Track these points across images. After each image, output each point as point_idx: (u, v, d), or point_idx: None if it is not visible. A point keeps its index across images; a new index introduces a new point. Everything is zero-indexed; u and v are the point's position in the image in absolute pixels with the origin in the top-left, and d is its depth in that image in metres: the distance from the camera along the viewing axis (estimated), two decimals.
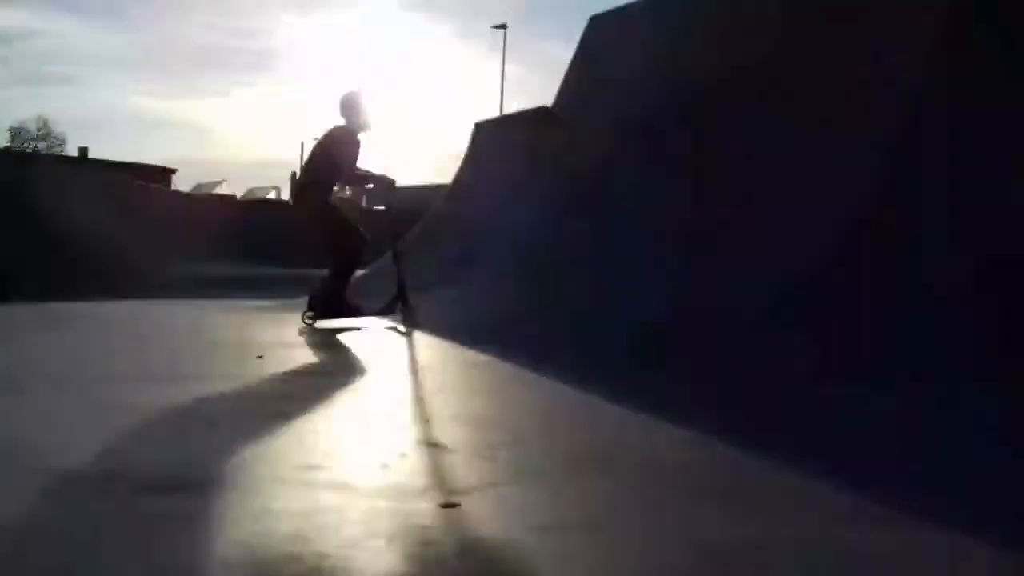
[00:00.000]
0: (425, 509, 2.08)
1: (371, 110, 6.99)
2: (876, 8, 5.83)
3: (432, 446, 2.76)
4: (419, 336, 6.58)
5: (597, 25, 9.29)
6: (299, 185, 7.72)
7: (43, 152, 39.78)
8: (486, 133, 10.98)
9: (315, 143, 7.32)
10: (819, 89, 5.83)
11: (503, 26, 36.75)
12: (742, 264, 5.30)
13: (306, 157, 7.31)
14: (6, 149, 37.81)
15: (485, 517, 2.05)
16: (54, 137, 51.00)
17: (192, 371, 4.60)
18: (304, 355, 5.49)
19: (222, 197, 31.84)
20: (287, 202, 37.93)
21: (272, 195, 41.24)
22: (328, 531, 1.92)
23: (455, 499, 2.15)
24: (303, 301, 10.26)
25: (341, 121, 6.91)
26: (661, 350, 4.64)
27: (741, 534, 1.98)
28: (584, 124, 8.30)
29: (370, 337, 6.71)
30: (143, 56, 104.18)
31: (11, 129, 50.52)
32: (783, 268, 4.96)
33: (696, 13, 7.63)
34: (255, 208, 28.82)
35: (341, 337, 6.48)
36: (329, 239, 7.02)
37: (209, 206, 27.37)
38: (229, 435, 2.95)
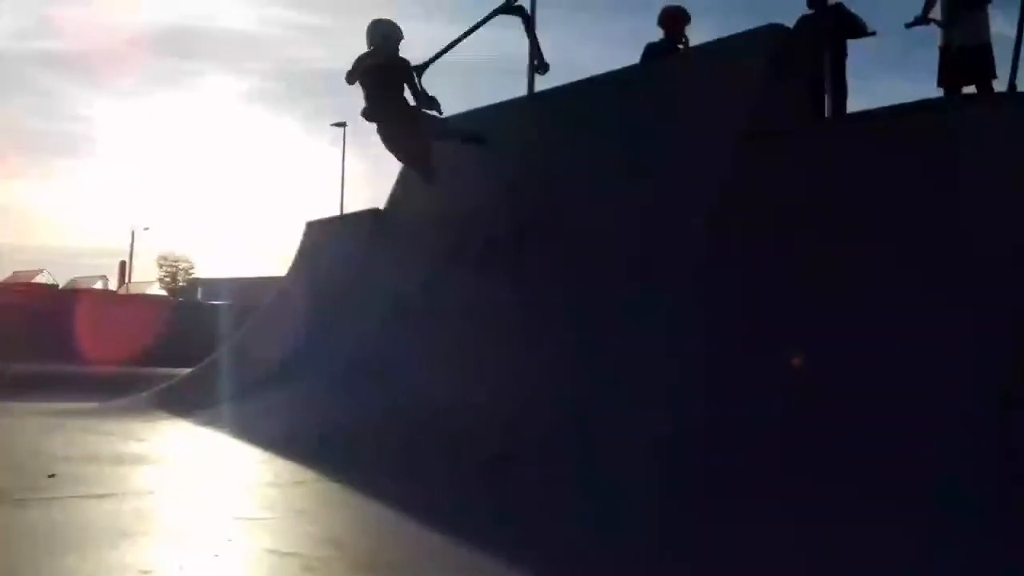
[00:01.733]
0: None
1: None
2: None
3: None
4: (238, 447, 6.25)
5: None
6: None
7: None
8: (316, 232, 10.85)
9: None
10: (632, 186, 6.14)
11: (343, 124, 36.90)
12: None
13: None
14: None
15: None
16: None
17: None
18: (103, 472, 5.00)
19: (40, 286, 29.79)
20: (111, 292, 36.05)
21: (99, 285, 39.06)
22: None
23: None
24: (120, 404, 9.66)
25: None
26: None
27: None
28: (412, 227, 8.37)
29: (182, 450, 6.29)
30: None
31: None
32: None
33: (516, 123, 7.95)
34: (75, 299, 27.09)
35: (150, 450, 6.04)
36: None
37: (23, 297, 25.52)
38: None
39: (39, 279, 34.47)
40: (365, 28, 7.25)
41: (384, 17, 7.30)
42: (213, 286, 44.73)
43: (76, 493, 4.16)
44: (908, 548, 2.96)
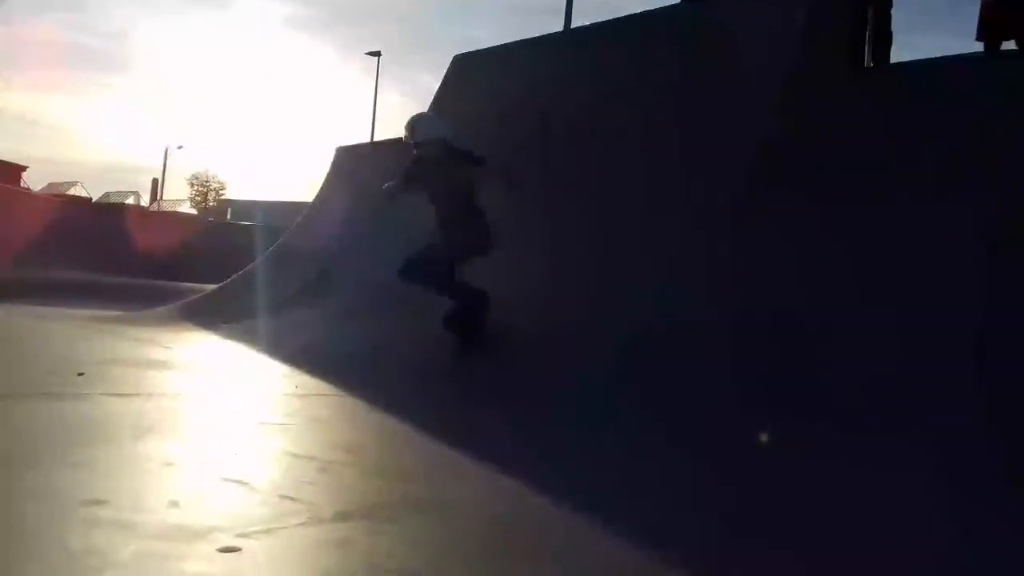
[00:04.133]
0: (202, 552, 1.98)
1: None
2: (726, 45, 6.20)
3: (234, 483, 2.64)
4: (260, 359, 6.41)
5: (459, 64, 9.47)
6: None
7: None
8: (346, 158, 10.89)
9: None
10: (662, 130, 6.12)
11: (377, 53, 36.88)
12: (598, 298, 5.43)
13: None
14: None
15: (264, 563, 1.96)
16: None
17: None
18: (130, 374, 5.20)
19: (75, 199, 30.14)
20: (143, 208, 36.43)
21: (131, 200, 39.53)
22: (92, 575, 1.79)
23: (238, 542, 2.05)
24: (147, 314, 9.88)
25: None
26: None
27: None
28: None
29: (207, 358, 6.46)
30: None
31: None
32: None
33: (544, 58, 7.94)
34: (109, 213, 27.44)
35: (176, 356, 6.21)
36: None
37: (59, 207, 25.84)
38: (14, 464, 2.74)
39: (73, 192, 34.96)
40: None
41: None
42: (243, 207, 45.07)
43: (103, 391, 4.30)
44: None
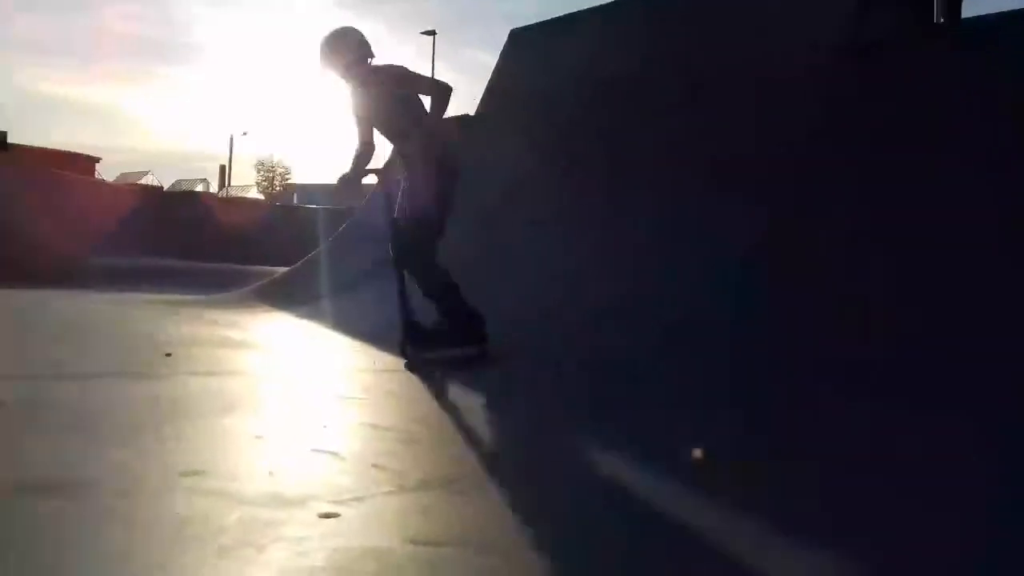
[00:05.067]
0: (303, 518, 2.06)
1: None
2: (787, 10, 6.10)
3: (325, 453, 2.74)
4: (334, 337, 6.54)
5: (517, 39, 9.44)
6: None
7: None
8: None
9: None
10: (731, 97, 6.04)
11: (432, 32, 37.06)
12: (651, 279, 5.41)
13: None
14: None
15: (360, 528, 2.04)
16: None
17: (90, 368, 4.48)
18: (212, 354, 5.38)
19: (147, 188, 30.96)
20: (213, 195, 37.28)
21: (200, 187, 40.47)
22: (199, 539, 1.89)
23: (335, 509, 2.14)
24: (222, 297, 10.15)
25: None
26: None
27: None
28: (502, 135, 8.41)
29: (284, 338, 6.63)
30: (63, 41, 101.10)
31: None
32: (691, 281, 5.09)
33: (608, 30, 7.87)
34: (182, 200, 28.13)
35: (254, 337, 6.39)
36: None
37: (133, 196, 26.55)
38: (116, 436, 2.88)
39: (145, 181, 35.89)
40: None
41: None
42: (308, 191, 45.79)
43: (189, 370, 4.47)
44: None
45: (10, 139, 30.78)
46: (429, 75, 5.21)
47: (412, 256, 5.09)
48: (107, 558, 1.79)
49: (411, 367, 4.80)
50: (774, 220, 5.13)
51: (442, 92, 5.07)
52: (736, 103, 6.06)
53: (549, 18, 9.26)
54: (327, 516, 2.08)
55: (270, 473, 2.46)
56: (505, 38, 9.60)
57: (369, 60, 5.19)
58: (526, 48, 9.20)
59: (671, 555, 2.01)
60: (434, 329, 5.13)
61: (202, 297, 10.23)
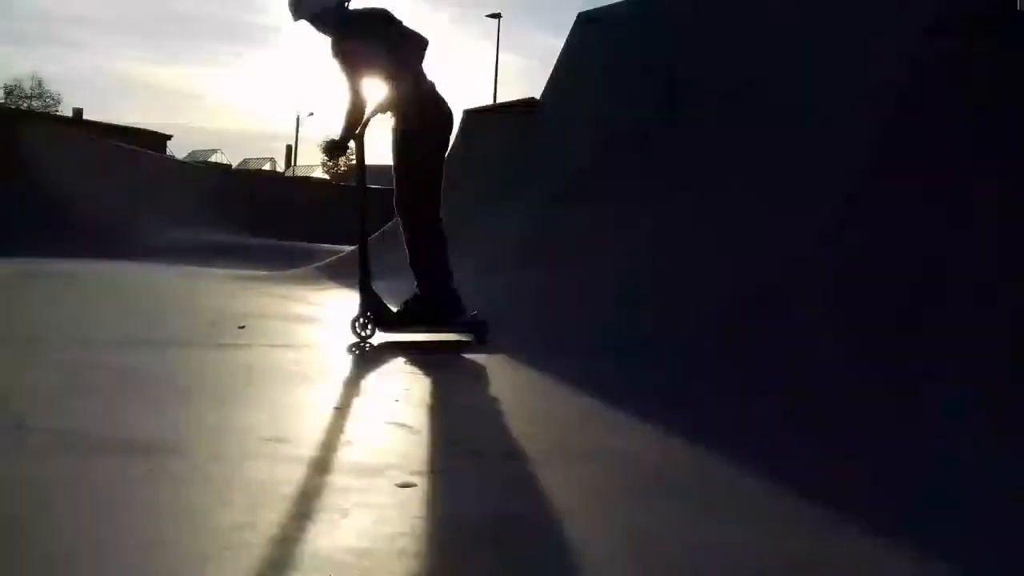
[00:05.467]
0: (381, 487, 2.11)
1: None
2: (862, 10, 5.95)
3: (400, 426, 2.79)
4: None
5: (584, 21, 9.37)
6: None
7: (38, 110, 39.51)
8: (474, 120, 10.99)
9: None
10: (804, 89, 5.92)
11: (497, 15, 37.13)
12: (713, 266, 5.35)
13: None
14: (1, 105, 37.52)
15: (438, 497, 2.08)
16: (49, 96, 50.76)
17: (170, 337, 4.62)
18: (286, 328, 5.50)
19: (217, 165, 31.69)
20: (280, 174, 38.06)
21: (267, 166, 41.28)
22: (283, 503, 1.95)
23: (412, 479, 2.18)
24: (291, 273, 10.35)
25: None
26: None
27: (708, 539, 2.01)
28: (568, 120, 8.37)
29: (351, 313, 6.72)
30: (136, 21, 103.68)
31: (5, 86, 50.35)
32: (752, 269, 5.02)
33: (678, 13, 7.77)
34: (249, 178, 28.71)
35: (326, 311, 6.50)
36: None
37: (203, 174, 27.17)
38: (199, 402, 2.98)
39: (214, 159, 36.77)
40: None
41: None
42: (372, 172, 46.20)
43: (264, 342, 4.58)
44: None
45: (85, 115, 31.65)
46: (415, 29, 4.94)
47: (411, 212, 4.93)
48: (200, 514, 1.86)
49: (359, 346, 4.69)
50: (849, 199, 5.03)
51: (418, 43, 4.80)
52: (808, 90, 5.92)
53: (617, 1, 9.17)
54: (405, 486, 2.12)
55: (347, 443, 2.52)
56: (572, 21, 9.56)
57: (346, 3, 4.85)
58: (594, 31, 9.13)
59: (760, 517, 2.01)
60: (408, 308, 4.98)
61: (271, 272, 10.44)
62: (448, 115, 5.04)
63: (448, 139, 5.09)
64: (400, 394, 3.45)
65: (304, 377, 3.68)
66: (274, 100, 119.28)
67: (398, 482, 2.14)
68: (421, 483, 2.16)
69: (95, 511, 1.85)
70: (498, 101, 22.38)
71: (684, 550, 1.87)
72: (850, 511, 2.19)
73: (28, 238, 13.63)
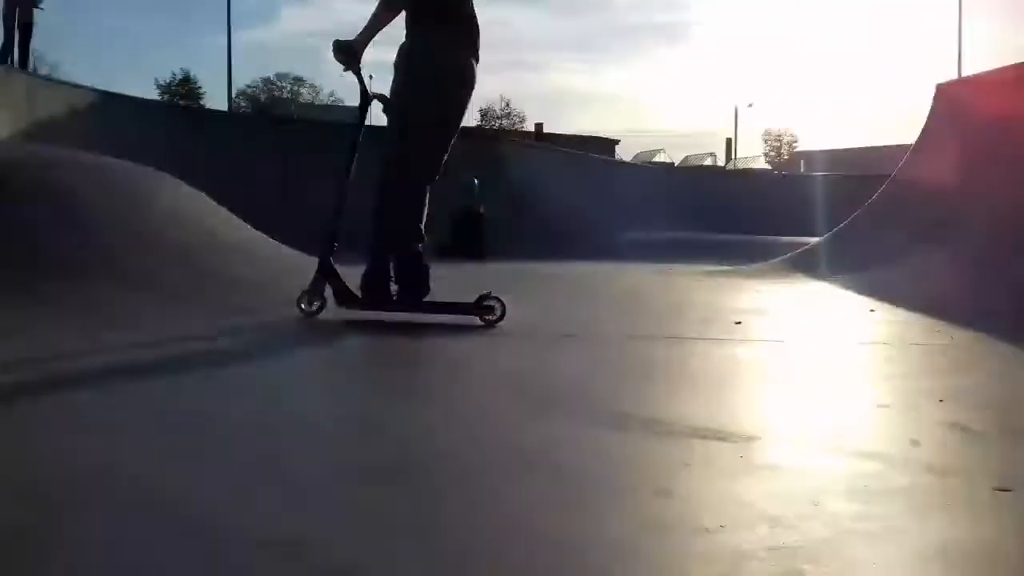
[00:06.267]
0: (969, 492, 2.05)
1: None
2: None
3: (959, 428, 2.66)
4: (888, 309, 6.32)
5: None
6: None
7: (507, 128, 44.64)
8: (951, 96, 10.04)
9: None
10: None
11: None
12: None
13: None
14: (479, 127, 43.02)
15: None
16: (515, 115, 57.17)
17: (678, 331, 4.97)
18: (774, 323, 5.56)
19: (661, 165, 33.01)
20: (721, 168, 38.31)
21: (708, 161, 41.77)
22: (862, 493, 1.97)
23: (1006, 484, 2.09)
24: (755, 267, 10.43)
25: None
26: None
27: None
28: None
29: (828, 308, 6.57)
30: (583, 38, 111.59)
31: (480, 109, 57.98)
32: None
33: None
34: (694, 174, 29.43)
35: (806, 307, 6.46)
36: None
37: (649, 173, 28.48)
38: (763, 396, 3.23)
39: (658, 159, 38.17)
40: None
41: None
42: (815, 158, 44.54)
43: (753, 337, 4.74)
44: None
45: (545, 129, 34.90)
46: None
47: (392, 168, 4.45)
48: (741, 501, 1.97)
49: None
50: None
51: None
52: None
53: None
54: (1002, 490, 2.05)
55: (914, 442, 2.49)
56: None
57: None
58: None
59: None
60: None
61: (735, 267, 10.63)
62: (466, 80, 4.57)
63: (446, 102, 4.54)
64: (944, 395, 3.29)
65: (835, 372, 3.77)
66: (709, 96, 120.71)
67: (994, 486, 2.07)
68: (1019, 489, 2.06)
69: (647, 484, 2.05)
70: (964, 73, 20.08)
71: None
72: None
73: (506, 242, 15.44)
